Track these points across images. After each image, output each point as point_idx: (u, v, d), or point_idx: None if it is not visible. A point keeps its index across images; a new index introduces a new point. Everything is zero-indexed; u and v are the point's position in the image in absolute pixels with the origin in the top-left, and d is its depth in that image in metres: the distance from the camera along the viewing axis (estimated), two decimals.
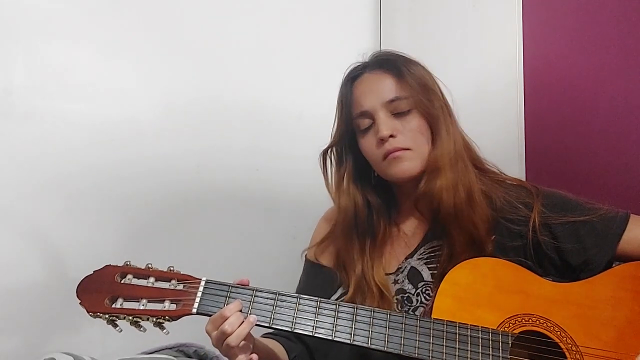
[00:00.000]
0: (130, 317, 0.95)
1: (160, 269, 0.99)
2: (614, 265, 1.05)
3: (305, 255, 1.25)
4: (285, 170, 1.77)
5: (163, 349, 1.17)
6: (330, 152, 1.19)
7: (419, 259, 1.12)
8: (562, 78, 1.40)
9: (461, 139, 1.13)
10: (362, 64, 1.17)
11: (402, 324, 0.95)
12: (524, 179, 1.41)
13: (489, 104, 1.52)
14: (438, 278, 1.05)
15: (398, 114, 1.09)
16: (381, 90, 1.10)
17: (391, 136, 1.07)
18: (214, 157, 1.70)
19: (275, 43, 1.83)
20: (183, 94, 1.68)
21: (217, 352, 1.14)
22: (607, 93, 1.30)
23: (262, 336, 1.13)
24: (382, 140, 1.08)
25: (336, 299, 1.13)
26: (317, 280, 1.19)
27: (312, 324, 0.95)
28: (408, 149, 1.08)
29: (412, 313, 1.08)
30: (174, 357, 1.13)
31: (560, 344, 0.95)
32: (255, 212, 1.74)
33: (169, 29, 1.69)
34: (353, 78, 1.15)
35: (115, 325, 0.97)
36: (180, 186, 1.66)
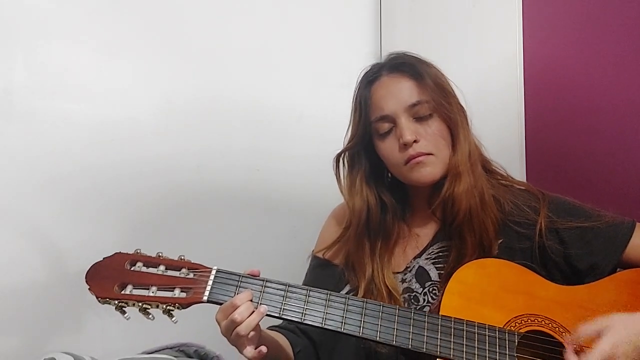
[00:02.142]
0: (140, 304, 0.94)
1: (170, 257, 0.99)
2: (617, 271, 1.06)
3: (312, 252, 1.24)
4: (285, 171, 1.77)
5: (163, 349, 1.16)
6: (344, 155, 1.17)
7: (427, 258, 1.13)
8: (562, 78, 1.40)
9: (474, 141, 1.13)
10: (377, 66, 1.15)
11: (410, 319, 0.95)
12: (524, 179, 1.41)
13: (489, 104, 1.52)
14: (445, 278, 1.06)
15: (419, 118, 1.08)
16: (402, 94, 1.09)
17: (414, 141, 1.06)
18: (214, 157, 1.70)
19: (275, 43, 1.83)
20: (183, 94, 1.68)
21: (217, 352, 1.14)
22: (607, 93, 1.30)
23: (267, 329, 1.13)
24: (405, 145, 1.07)
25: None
26: (324, 276, 1.19)
27: (322, 316, 0.95)
28: (430, 154, 1.07)
29: None
30: (175, 357, 1.13)
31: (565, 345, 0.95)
32: (255, 212, 1.74)
33: (169, 29, 1.68)
34: (370, 81, 1.13)
35: (124, 312, 0.96)
36: (180, 186, 1.65)
